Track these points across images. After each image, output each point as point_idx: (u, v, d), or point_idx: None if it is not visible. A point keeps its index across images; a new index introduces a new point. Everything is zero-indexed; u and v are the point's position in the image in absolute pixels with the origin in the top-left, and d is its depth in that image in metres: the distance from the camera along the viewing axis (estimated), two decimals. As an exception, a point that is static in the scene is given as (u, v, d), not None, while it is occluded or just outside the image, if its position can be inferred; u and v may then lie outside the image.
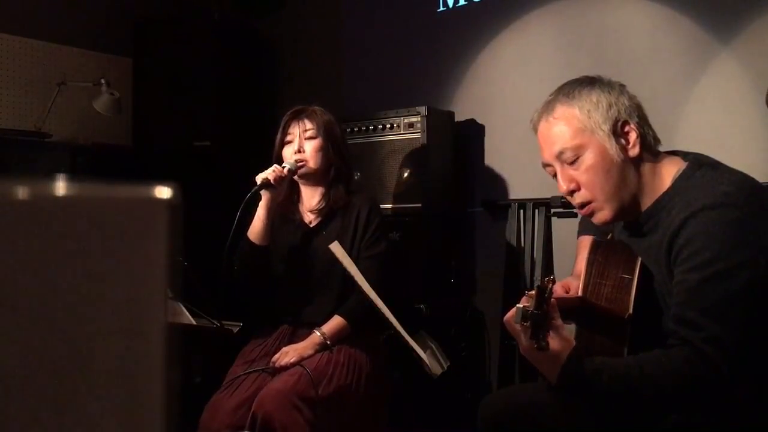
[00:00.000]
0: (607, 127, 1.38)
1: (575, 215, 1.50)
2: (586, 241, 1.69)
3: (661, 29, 2.57)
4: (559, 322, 1.27)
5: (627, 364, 1.29)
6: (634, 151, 1.39)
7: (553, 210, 2.79)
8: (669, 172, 1.41)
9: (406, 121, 2.83)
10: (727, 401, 1.27)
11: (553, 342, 1.25)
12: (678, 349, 1.25)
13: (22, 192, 0.38)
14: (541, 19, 2.90)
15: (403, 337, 1.94)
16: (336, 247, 1.96)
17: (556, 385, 1.29)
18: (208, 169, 3.33)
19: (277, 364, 2.02)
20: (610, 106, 1.39)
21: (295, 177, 2.22)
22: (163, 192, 0.41)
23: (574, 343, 1.29)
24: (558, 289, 1.56)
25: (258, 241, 2.18)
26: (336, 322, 2.12)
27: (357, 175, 2.79)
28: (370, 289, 1.96)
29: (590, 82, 1.44)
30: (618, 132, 1.39)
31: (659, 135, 1.46)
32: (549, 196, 2.70)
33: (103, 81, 3.31)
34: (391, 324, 1.94)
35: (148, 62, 3.50)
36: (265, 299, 2.28)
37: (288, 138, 2.23)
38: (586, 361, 1.27)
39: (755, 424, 1.29)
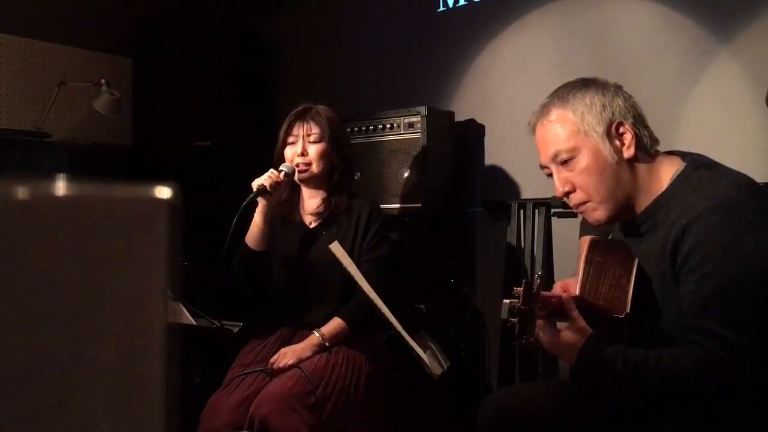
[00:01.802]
0: (601, 129, 1.39)
1: (575, 215, 1.50)
2: (588, 241, 1.69)
3: (661, 29, 2.57)
4: (575, 313, 1.33)
5: (645, 354, 1.29)
6: (629, 152, 1.39)
7: (553, 210, 2.78)
8: (667, 172, 1.41)
9: (406, 121, 2.82)
10: (745, 405, 1.26)
11: (570, 332, 1.32)
12: (700, 350, 1.24)
13: (22, 192, 0.38)
14: (541, 19, 2.90)
15: (403, 338, 1.94)
16: (336, 247, 1.95)
17: (573, 368, 1.34)
18: (208, 169, 3.33)
19: (275, 366, 2.02)
20: (604, 107, 1.40)
21: (295, 178, 2.21)
22: (163, 192, 0.41)
23: (590, 331, 1.33)
24: (557, 289, 1.56)
25: (256, 247, 2.17)
26: (335, 323, 2.11)
27: (357, 176, 2.79)
28: (370, 289, 1.95)
29: (585, 84, 1.45)
30: (612, 133, 1.40)
31: (659, 135, 1.46)
32: (549, 196, 2.70)
33: (103, 81, 3.30)
34: (391, 324, 1.94)
35: (148, 62, 3.49)
36: (265, 301, 2.27)
37: (291, 139, 2.20)
38: (604, 345, 1.31)
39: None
